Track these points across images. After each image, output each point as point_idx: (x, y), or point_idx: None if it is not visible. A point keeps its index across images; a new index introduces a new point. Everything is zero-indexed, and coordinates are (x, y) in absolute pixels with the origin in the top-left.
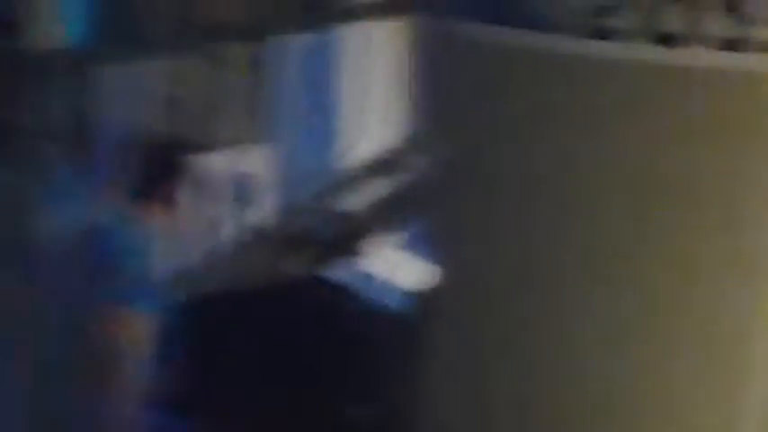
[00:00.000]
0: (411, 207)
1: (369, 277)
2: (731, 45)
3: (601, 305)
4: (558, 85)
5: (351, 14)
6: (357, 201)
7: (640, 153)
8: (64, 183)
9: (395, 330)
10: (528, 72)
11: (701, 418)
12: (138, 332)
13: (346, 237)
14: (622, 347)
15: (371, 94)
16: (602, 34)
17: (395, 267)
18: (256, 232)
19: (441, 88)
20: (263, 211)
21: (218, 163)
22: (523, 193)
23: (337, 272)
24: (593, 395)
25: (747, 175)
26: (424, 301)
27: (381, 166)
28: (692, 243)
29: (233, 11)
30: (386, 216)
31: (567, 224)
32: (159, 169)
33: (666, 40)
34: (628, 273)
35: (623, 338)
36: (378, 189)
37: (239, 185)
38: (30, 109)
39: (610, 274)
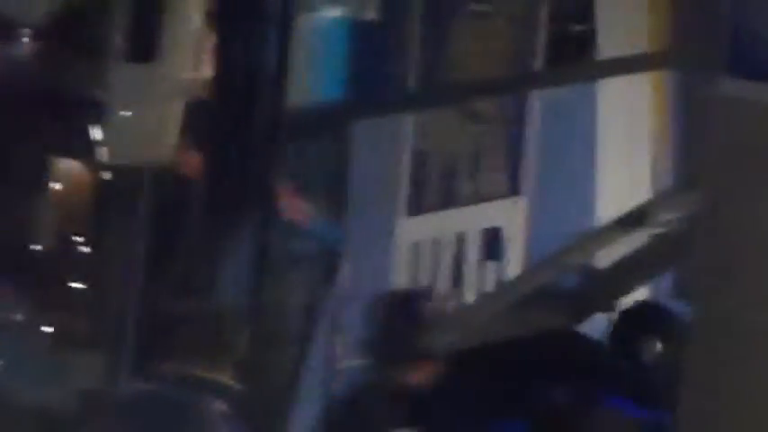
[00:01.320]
0: (661, 261)
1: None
2: None
3: None
4: None
5: (608, 68)
6: (609, 255)
7: None
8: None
9: (649, 384)
10: None
11: None
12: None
13: (597, 291)
14: None
15: (626, 149)
16: None
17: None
18: (507, 287)
19: (696, 144)
20: (515, 265)
21: (467, 217)
22: None
23: (588, 326)
24: None
25: None
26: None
27: (633, 221)
28: None
29: (488, 66)
30: (637, 271)
31: None
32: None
33: None
34: None
35: None
36: (629, 243)
37: (490, 240)
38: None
39: None
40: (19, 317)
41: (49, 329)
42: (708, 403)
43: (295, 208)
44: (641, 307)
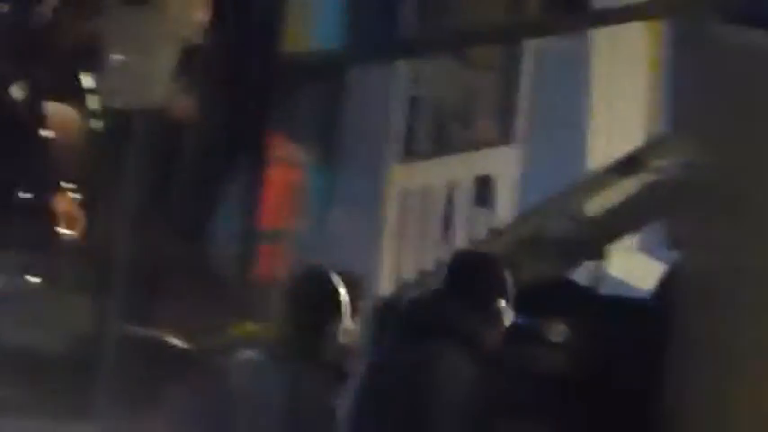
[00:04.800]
0: (654, 209)
1: (609, 278)
2: None
3: None
4: None
5: (603, 16)
6: (601, 202)
7: None
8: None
9: (636, 330)
10: None
11: None
12: None
13: (589, 238)
14: None
15: (620, 97)
16: None
17: (634, 269)
18: (498, 234)
19: (692, 90)
20: (506, 213)
21: (459, 165)
22: None
23: (579, 273)
24: None
25: None
26: (664, 301)
27: (625, 168)
28: None
29: (483, 14)
30: (628, 218)
31: None
32: None
33: None
34: None
35: None
36: (621, 191)
37: (482, 188)
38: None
39: None
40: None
41: (41, 274)
42: (701, 351)
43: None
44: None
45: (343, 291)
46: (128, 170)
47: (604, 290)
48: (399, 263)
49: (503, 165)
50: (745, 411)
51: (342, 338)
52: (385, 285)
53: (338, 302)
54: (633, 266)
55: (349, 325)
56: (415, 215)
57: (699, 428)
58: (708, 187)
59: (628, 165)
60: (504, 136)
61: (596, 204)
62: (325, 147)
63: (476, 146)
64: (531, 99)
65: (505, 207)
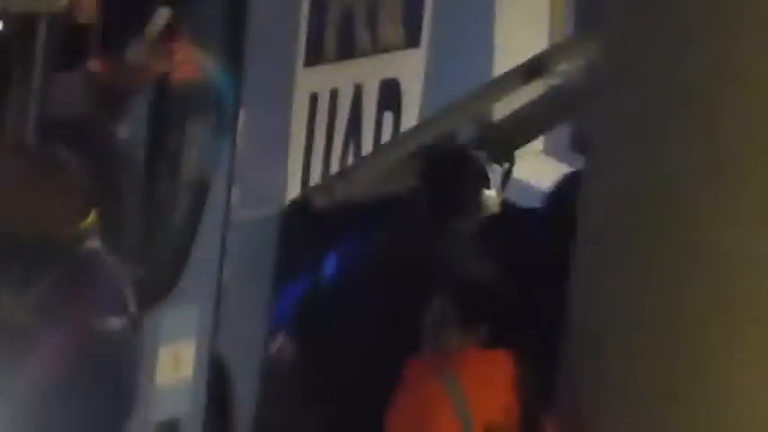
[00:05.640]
0: (559, 112)
1: (516, 182)
2: None
3: None
4: None
5: None
6: (506, 106)
7: None
8: None
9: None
10: None
11: None
12: None
13: (494, 142)
14: None
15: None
16: None
17: (541, 172)
18: (404, 138)
19: None
20: (412, 116)
21: (365, 69)
22: (676, 101)
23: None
24: None
25: None
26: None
27: (530, 72)
28: None
29: None
30: (533, 121)
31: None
32: None
33: None
34: None
35: None
36: (527, 95)
37: (388, 91)
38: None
39: None
40: None
41: None
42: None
43: (188, 60)
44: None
45: None
46: (27, 73)
47: (510, 193)
48: (307, 166)
49: (409, 68)
50: (654, 317)
51: None
52: (293, 188)
53: None
54: (539, 169)
55: None
56: (322, 118)
57: (602, 338)
58: (611, 89)
59: (533, 68)
60: (410, 39)
61: (502, 108)
62: (230, 50)
63: (382, 49)
64: (437, 1)
65: (411, 110)
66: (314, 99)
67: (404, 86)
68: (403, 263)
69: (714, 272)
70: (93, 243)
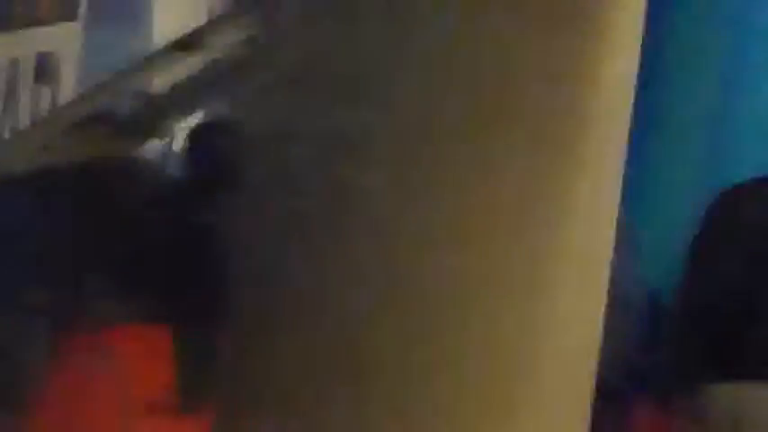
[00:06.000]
0: (217, 85)
1: (170, 156)
2: None
3: None
4: None
5: None
6: (164, 80)
7: None
8: None
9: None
10: None
11: None
12: None
13: (153, 116)
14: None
15: None
16: None
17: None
18: (60, 111)
19: None
20: (69, 90)
21: (21, 42)
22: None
23: (139, 151)
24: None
25: None
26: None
27: (187, 45)
28: None
29: None
30: (191, 95)
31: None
32: None
33: None
34: None
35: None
36: (185, 68)
37: (44, 64)
38: None
39: None
40: None
41: None
42: None
43: None
44: None
45: None
46: None
47: (171, 168)
48: None
49: (65, 41)
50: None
51: None
52: None
53: None
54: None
55: None
56: None
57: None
58: (268, 64)
59: (191, 42)
60: (67, 11)
61: (160, 82)
62: None
63: (38, 22)
64: None
65: (68, 84)
66: None
67: (61, 60)
68: None
69: None
70: None
